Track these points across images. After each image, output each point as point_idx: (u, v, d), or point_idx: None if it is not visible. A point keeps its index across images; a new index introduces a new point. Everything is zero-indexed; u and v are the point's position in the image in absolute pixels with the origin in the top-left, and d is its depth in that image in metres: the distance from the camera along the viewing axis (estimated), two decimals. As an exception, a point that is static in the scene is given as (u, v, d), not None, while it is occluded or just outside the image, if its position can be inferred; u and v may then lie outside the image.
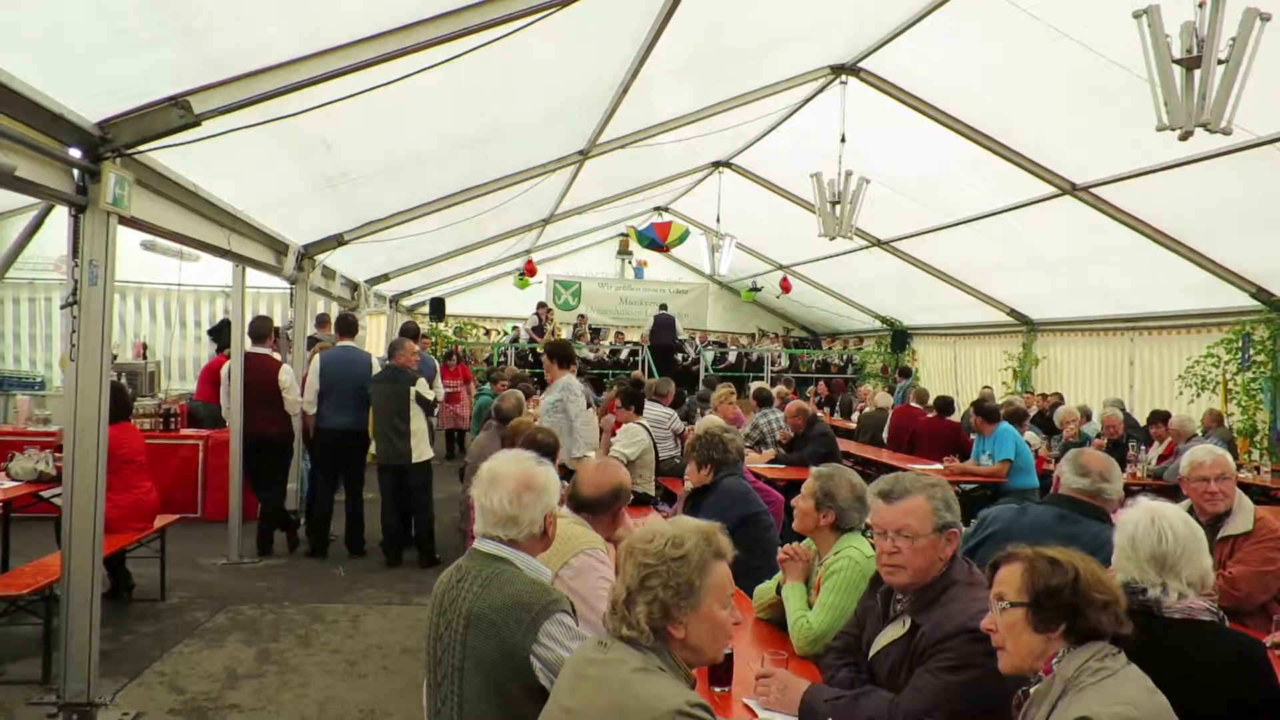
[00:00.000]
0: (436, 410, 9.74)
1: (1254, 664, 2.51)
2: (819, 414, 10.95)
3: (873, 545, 3.19)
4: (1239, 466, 9.13)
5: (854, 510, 3.63)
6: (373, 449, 8.38)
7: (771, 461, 9.55)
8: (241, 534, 7.97)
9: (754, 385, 11.96)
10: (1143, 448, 9.77)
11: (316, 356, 8.41)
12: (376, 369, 8.49)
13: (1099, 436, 10.19)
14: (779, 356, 20.64)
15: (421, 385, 8.25)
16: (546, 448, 5.25)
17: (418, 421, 8.13)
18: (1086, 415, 11.20)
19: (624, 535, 2.85)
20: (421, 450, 8.09)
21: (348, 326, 8.71)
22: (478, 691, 2.52)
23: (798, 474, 7.92)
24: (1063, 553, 2.29)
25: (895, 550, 2.83)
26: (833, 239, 9.66)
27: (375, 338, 14.98)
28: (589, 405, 10.57)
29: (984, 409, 9.17)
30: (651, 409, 9.26)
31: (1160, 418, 9.92)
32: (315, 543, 8.22)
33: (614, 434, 8.54)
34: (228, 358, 8.58)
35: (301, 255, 8.85)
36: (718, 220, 14.66)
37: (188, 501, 9.06)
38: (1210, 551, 2.75)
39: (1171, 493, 5.59)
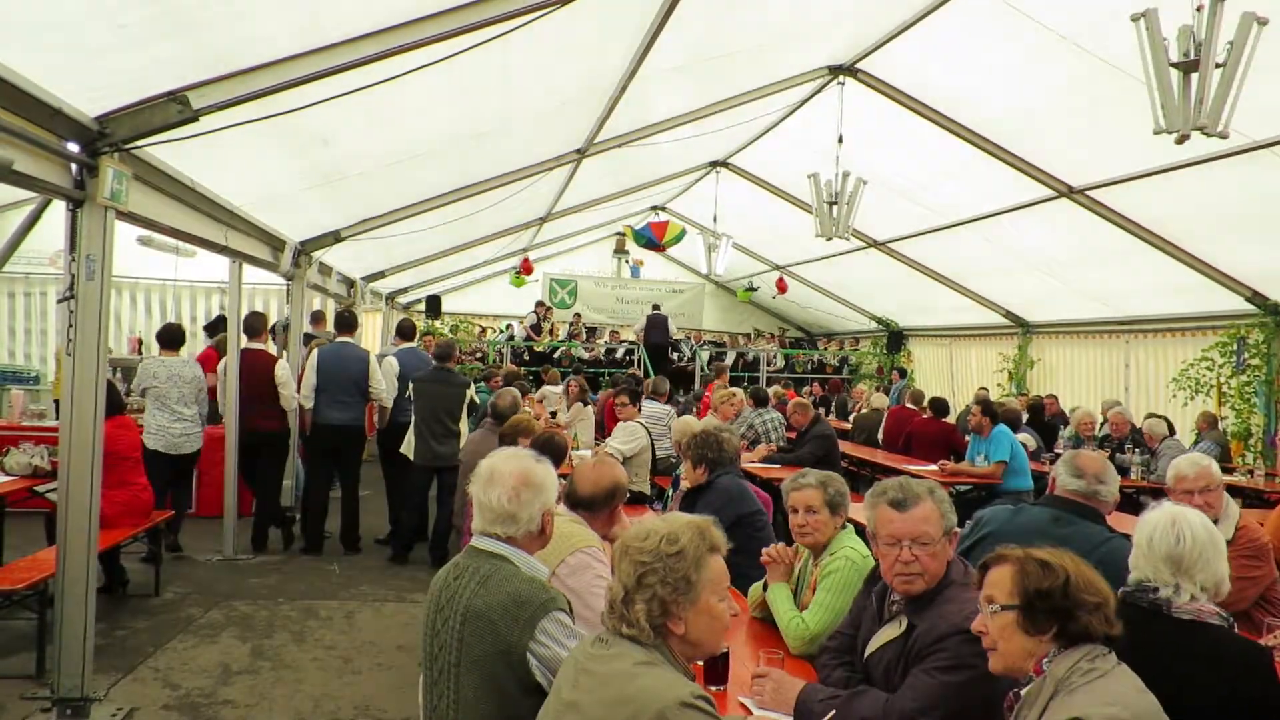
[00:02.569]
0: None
1: (1259, 670, 2.51)
2: (820, 414, 10.94)
3: (867, 545, 3.19)
4: (1232, 470, 9.19)
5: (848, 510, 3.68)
6: (405, 447, 8.34)
7: (766, 460, 9.54)
8: (236, 530, 7.97)
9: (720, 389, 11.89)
10: (1136, 450, 9.77)
11: (314, 352, 8.40)
12: (374, 366, 8.47)
13: (1105, 437, 10.20)
14: (774, 356, 20.64)
15: (472, 389, 8.32)
16: (558, 449, 5.27)
17: (465, 425, 8.16)
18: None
19: (620, 534, 2.86)
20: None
21: (346, 323, 8.70)
22: (474, 688, 2.52)
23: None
24: (1053, 555, 2.29)
25: (913, 559, 2.78)
26: (829, 240, 9.68)
27: (371, 335, 14.99)
28: (585, 403, 10.62)
29: (990, 408, 9.18)
30: (648, 406, 9.28)
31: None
32: (310, 539, 8.21)
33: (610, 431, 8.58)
34: (217, 350, 8.55)
35: (298, 251, 8.84)
36: (714, 220, 14.67)
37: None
38: None
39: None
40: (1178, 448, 9.09)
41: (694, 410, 10.84)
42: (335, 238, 9.09)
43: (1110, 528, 3.66)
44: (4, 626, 5.38)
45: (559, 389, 13.49)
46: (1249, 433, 10.60)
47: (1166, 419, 10.13)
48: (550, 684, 2.44)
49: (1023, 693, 2.25)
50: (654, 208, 18.31)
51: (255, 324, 8.31)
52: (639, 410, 8.53)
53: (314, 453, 8.43)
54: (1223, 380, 10.89)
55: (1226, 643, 2.56)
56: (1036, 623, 2.22)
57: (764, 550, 3.77)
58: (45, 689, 4.73)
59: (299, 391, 8.24)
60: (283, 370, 8.19)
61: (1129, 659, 2.23)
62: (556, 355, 18.48)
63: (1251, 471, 9.52)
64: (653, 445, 8.27)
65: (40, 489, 6.56)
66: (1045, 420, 11.59)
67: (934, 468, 9.11)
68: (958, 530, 2.90)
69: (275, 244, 8.33)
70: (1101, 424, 10.58)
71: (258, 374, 8.03)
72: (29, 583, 5.05)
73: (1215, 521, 4.16)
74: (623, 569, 2.20)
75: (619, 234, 20.82)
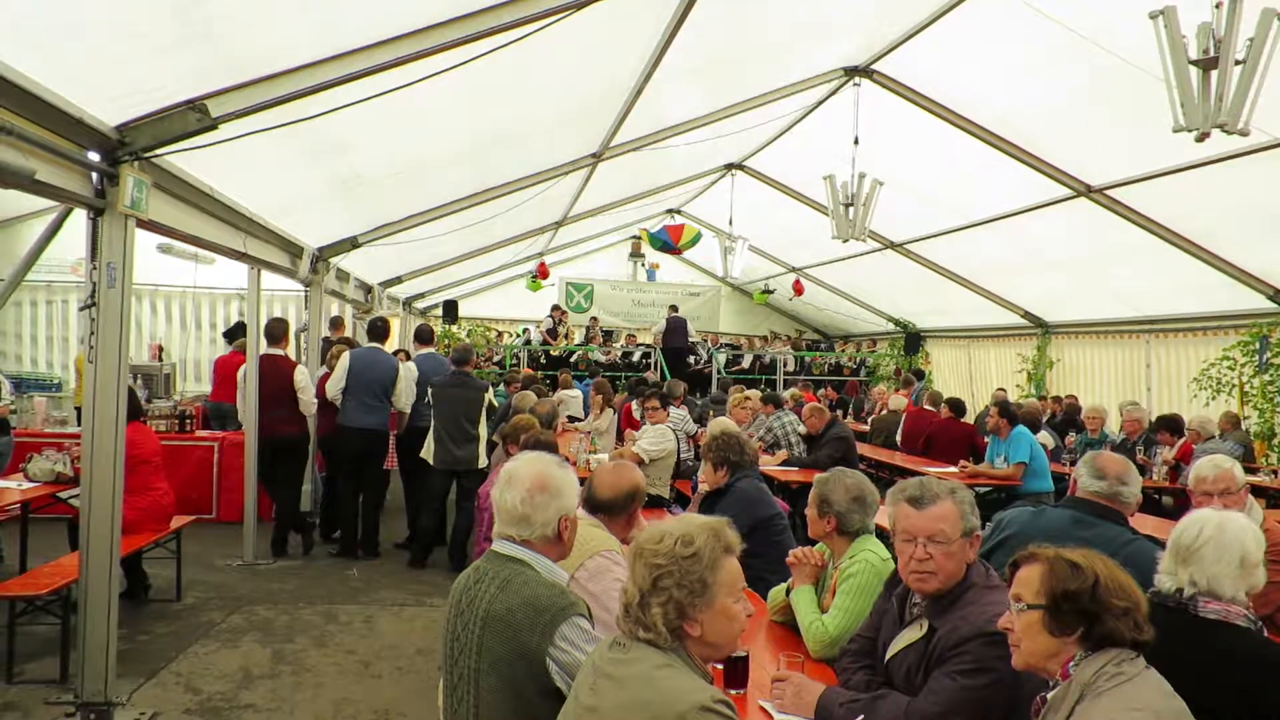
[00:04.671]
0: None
1: None
2: (837, 416, 10.89)
3: (890, 549, 3.17)
4: (1255, 470, 9.08)
5: (853, 513, 3.61)
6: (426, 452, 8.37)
7: (785, 463, 9.51)
8: (256, 535, 8.01)
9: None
10: (1155, 451, 9.64)
11: (346, 353, 8.43)
12: (403, 375, 8.53)
13: (1118, 438, 10.09)
14: (788, 359, 20.55)
15: (491, 393, 8.34)
16: (550, 449, 5.27)
17: (484, 428, 8.20)
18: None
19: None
20: (483, 457, 8.13)
21: (377, 331, 8.77)
22: (494, 693, 2.52)
23: (813, 476, 7.89)
24: (1084, 556, 2.26)
25: (926, 557, 2.77)
26: (846, 241, 9.64)
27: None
28: (613, 408, 10.62)
29: (1007, 410, 9.11)
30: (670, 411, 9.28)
31: (1166, 424, 9.68)
32: (344, 544, 8.26)
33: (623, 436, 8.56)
34: (239, 354, 8.60)
35: (316, 258, 8.89)
36: (730, 223, 14.66)
37: (203, 503, 9.10)
38: None
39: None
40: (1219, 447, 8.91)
41: (712, 414, 10.81)
42: (353, 243, 9.14)
43: (1133, 529, 3.62)
44: (28, 632, 5.41)
45: (575, 392, 13.52)
46: (1273, 433, 10.49)
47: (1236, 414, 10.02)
48: (569, 688, 2.44)
49: (1049, 697, 2.24)
50: (670, 211, 18.31)
51: (276, 330, 8.37)
52: (668, 415, 8.52)
53: (340, 457, 8.45)
54: (1245, 380, 10.78)
55: (1253, 645, 2.53)
56: (1062, 624, 2.20)
57: (791, 552, 3.75)
58: (69, 694, 4.75)
59: (327, 391, 8.29)
60: (302, 375, 8.24)
61: (1155, 659, 2.20)
62: (573, 359, 18.50)
63: (1276, 472, 9.41)
64: (679, 449, 8.28)
65: (63, 495, 6.62)
66: (1077, 422, 11.43)
67: (954, 469, 9.05)
68: (980, 532, 2.87)
69: (293, 250, 8.38)
70: (1119, 428, 10.49)
71: (277, 379, 8.08)
72: (52, 588, 5.10)
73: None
74: (637, 572, 2.19)
75: (635, 237, 20.84)
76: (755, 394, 11.36)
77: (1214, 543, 2.63)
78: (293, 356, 9.12)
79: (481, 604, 2.59)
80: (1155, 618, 2.25)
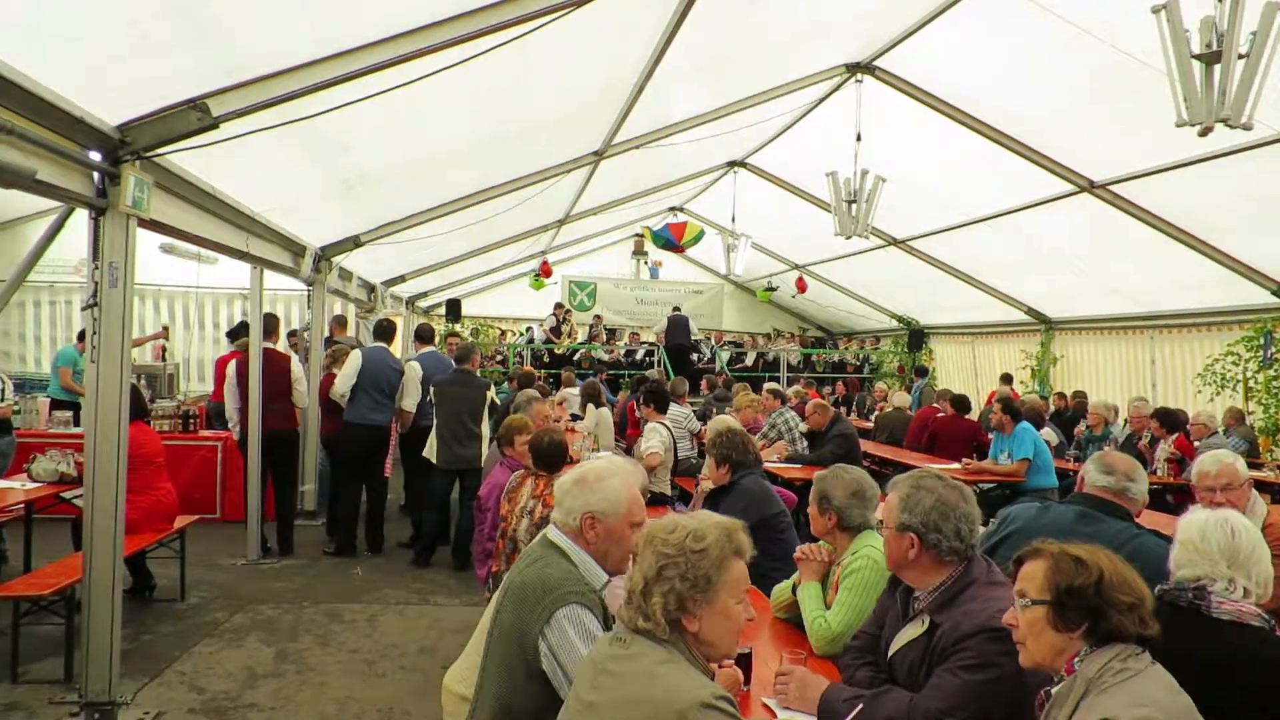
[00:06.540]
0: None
1: None
2: (841, 413, 10.85)
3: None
4: (1260, 465, 9.05)
5: (853, 509, 3.60)
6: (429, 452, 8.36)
7: (787, 460, 9.49)
8: (260, 534, 8.01)
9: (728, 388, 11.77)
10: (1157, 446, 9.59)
11: (356, 350, 8.50)
12: (409, 376, 8.55)
13: (1123, 434, 10.05)
14: (791, 356, 20.55)
15: (493, 391, 8.43)
16: (555, 450, 5.29)
17: (486, 427, 8.22)
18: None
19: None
20: (484, 455, 8.14)
21: (385, 331, 8.79)
22: (495, 660, 2.60)
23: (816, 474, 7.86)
24: (1088, 551, 2.25)
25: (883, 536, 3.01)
26: (849, 238, 9.63)
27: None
28: (603, 404, 10.61)
29: (1011, 405, 9.09)
30: (670, 409, 9.26)
31: (1161, 419, 9.61)
32: (342, 543, 8.26)
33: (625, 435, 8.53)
34: (239, 353, 8.63)
35: (319, 257, 8.89)
36: (733, 220, 14.66)
37: (206, 502, 9.11)
38: None
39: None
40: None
41: (715, 411, 10.77)
42: (355, 242, 9.14)
43: (1138, 524, 3.61)
44: (32, 631, 5.41)
45: (578, 391, 13.52)
46: (1277, 428, 10.46)
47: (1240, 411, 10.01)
48: (553, 672, 2.48)
49: (1053, 692, 2.22)
50: (672, 209, 18.31)
51: (267, 324, 8.32)
52: (655, 412, 8.52)
53: (349, 454, 8.45)
54: (1249, 375, 10.76)
55: (1268, 645, 2.51)
56: (1066, 619, 2.19)
57: (798, 548, 3.75)
58: (73, 693, 4.76)
59: (336, 387, 8.32)
60: (298, 367, 8.27)
61: (1165, 658, 2.18)
62: (576, 357, 18.50)
63: (1280, 467, 9.38)
64: (675, 446, 8.26)
65: (66, 495, 6.62)
66: (1070, 417, 11.44)
67: (957, 466, 9.03)
68: (917, 535, 2.81)
69: (296, 249, 8.39)
70: (1124, 423, 10.45)
71: (271, 373, 8.06)
72: (56, 588, 5.11)
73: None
74: (645, 558, 2.20)
75: (637, 235, 20.84)
76: (768, 390, 11.26)
77: (1259, 544, 2.65)
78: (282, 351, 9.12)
79: (510, 577, 2.70)
80: (1164, 616, 2.24)
